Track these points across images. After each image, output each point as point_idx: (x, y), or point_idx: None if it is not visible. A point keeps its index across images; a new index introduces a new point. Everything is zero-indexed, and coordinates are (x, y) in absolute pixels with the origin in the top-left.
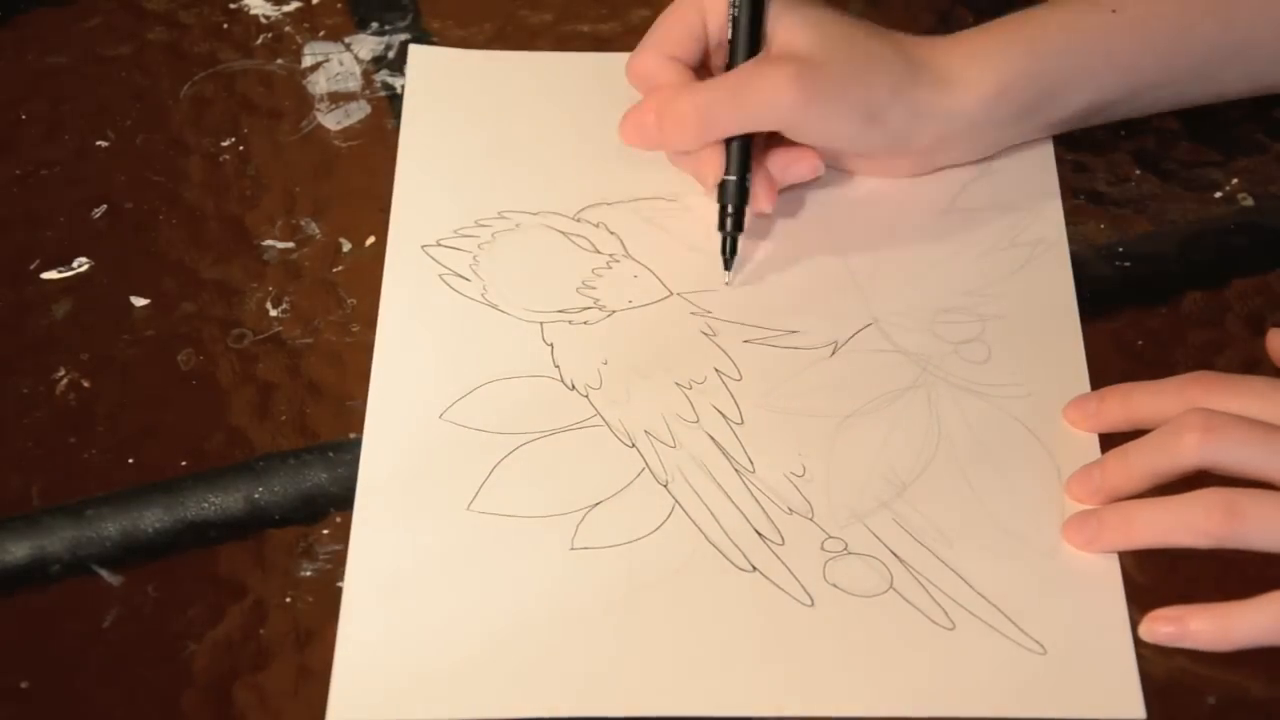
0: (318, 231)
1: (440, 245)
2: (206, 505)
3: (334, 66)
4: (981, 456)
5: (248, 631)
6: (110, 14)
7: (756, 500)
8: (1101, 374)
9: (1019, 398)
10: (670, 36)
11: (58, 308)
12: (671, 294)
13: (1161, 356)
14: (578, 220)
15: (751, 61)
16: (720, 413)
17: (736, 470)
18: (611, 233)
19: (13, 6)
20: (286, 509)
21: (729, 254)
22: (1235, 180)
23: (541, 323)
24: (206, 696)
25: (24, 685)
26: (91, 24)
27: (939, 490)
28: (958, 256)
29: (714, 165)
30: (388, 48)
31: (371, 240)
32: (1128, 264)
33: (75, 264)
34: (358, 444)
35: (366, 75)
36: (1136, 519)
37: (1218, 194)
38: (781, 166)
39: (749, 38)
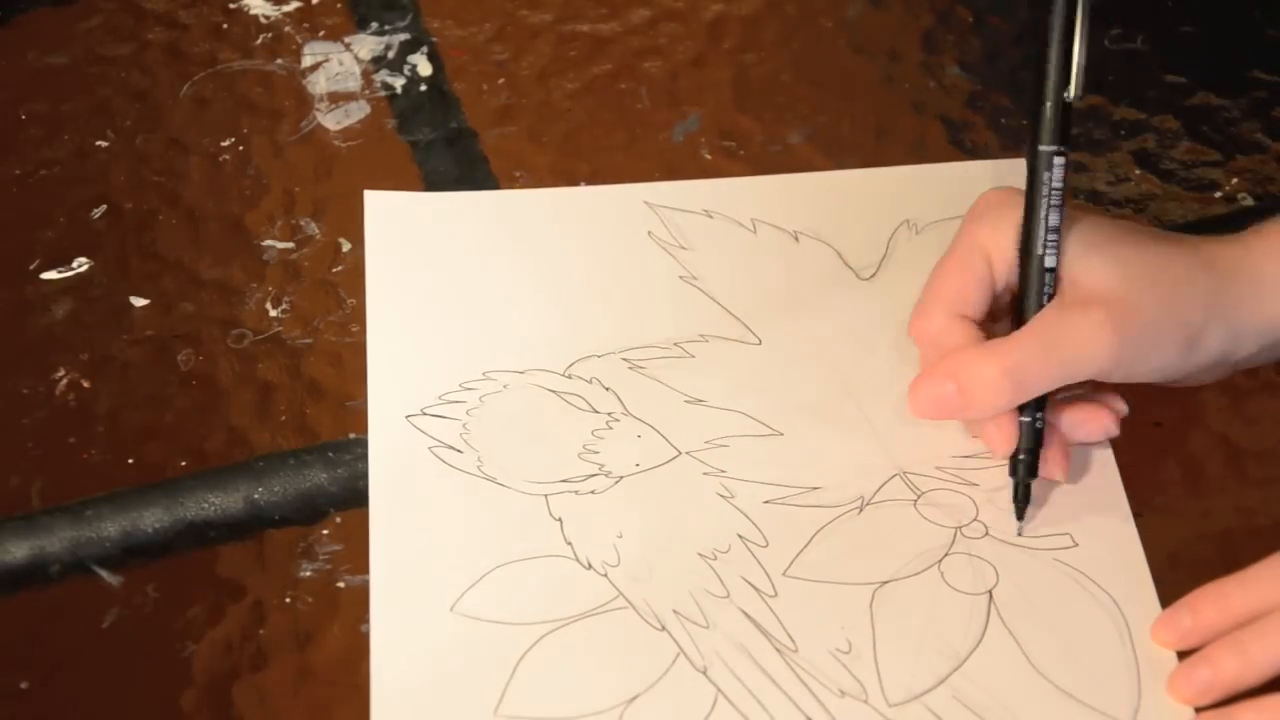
0: (317, 231)
1: (425, 414)
2: (206, 505)
3: (334, 66)
4: (1038, 619)
5: (247, 632)
6: (110, 14)
7: (804, 683)
8: None
9: (1066, 548)
10: (956, 291)
11: (58, 308)
12: (680, 453)
13: None
14: (568, 377)
15: (1053, 309)
16: (751, 585)
17: (778, 650)
18: (606, 388)
19: (13, 6)
20: (286, 509)
21: (1021, 501)
22: (1235, 180)
23: (546, 495)
24: (206, 696)
25: (24, 685)
26: (91, 24)
27: (999, 661)
28: None
29: (1009, 430)
30: (388, 48)
31: None
32: None
33: (75, 264)
34: (357, 444)
35: (366, 75)
36: (1250, 646)
37: (1218, 194)
38: (1071, 424)
39: (1042, 276)
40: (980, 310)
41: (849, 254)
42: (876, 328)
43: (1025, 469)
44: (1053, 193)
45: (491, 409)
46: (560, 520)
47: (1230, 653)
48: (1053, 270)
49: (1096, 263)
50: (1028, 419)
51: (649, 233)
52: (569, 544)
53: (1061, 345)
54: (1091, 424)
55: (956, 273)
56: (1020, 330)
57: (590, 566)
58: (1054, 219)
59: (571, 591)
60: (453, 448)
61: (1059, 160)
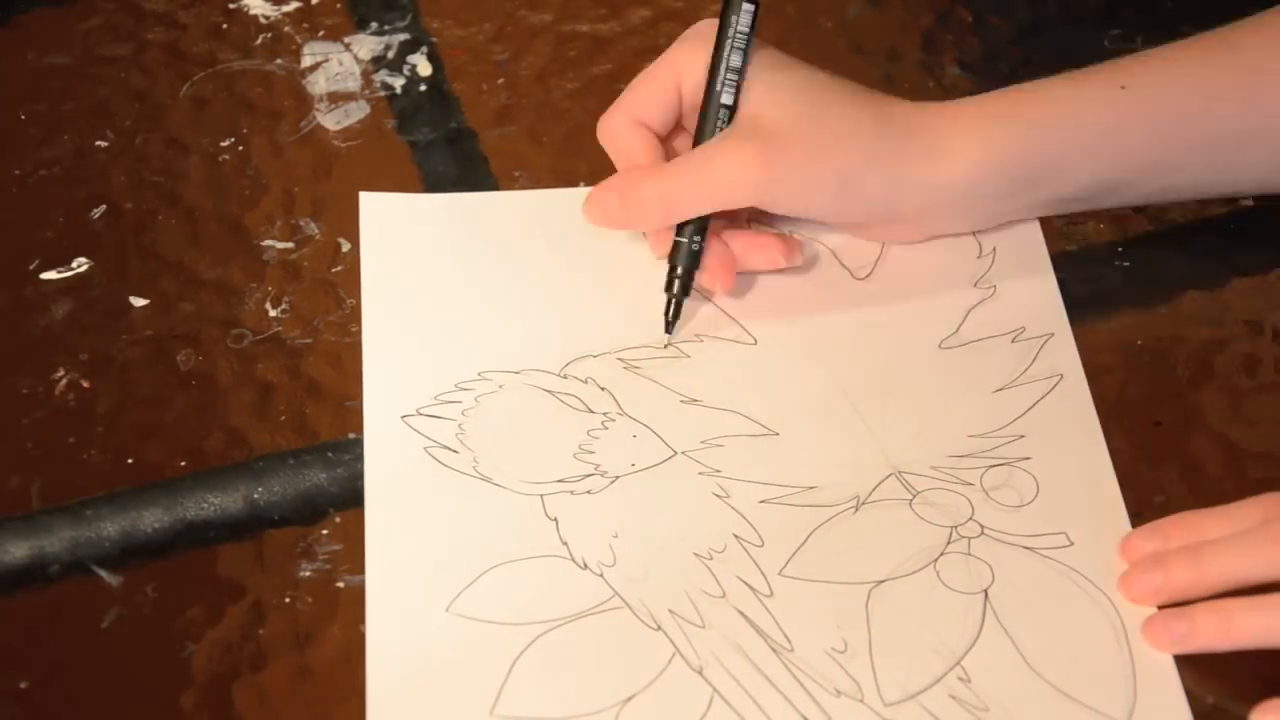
0: (317, 231)
1: (421, 414)
2: (206, 505)
3: (333, 66)
4: (1034, 618)
5: (247, 631)
6: (110, 14)
7: (800, 683)
8: (1101, 373)
9: (1061, 548)
10: (642, 100)
11: (57, 308)
12: (676, 453)
13: (1161, 356)
14: (564, 377)
15: (714, 140)
16: (747, 584)
17: (774, 650)
18: (602, 388)
19: (13, 6)
20: (286, 509)
21: (671, 317)
22: None
23: (542, 495)
24: (206, 696)
25: (24, 685)
26: (91, 24)
27: (994, 660)
28: (971, 394)
29: (666, 241)
30: (387, 48)
31: None
32: (1128, 264)
33: (75, 264)
34: (357, 444)
35: (366, 75)
36: (1236, 619)
37: None
38: (743, 248)
39: (717, 110)
40: (662, 125)
41: (844, 254)
42: (871, 327)
43: (678, 286)
44: (737, 35)
45: (487, 409)
46: (556, 520)
47: (1185, 563)
48: (728, 107)
49: (770, 91)
50: (684, 239)
51: (644, 233)
52: (564, 544)
53: (710, 173)
54: (760, 252)
55: (646, 84)
56: (681, 157)
57: (586, 566)
58: (735, 60)
59: (567, 592)
60: (448, 448)
61: (747, 7)
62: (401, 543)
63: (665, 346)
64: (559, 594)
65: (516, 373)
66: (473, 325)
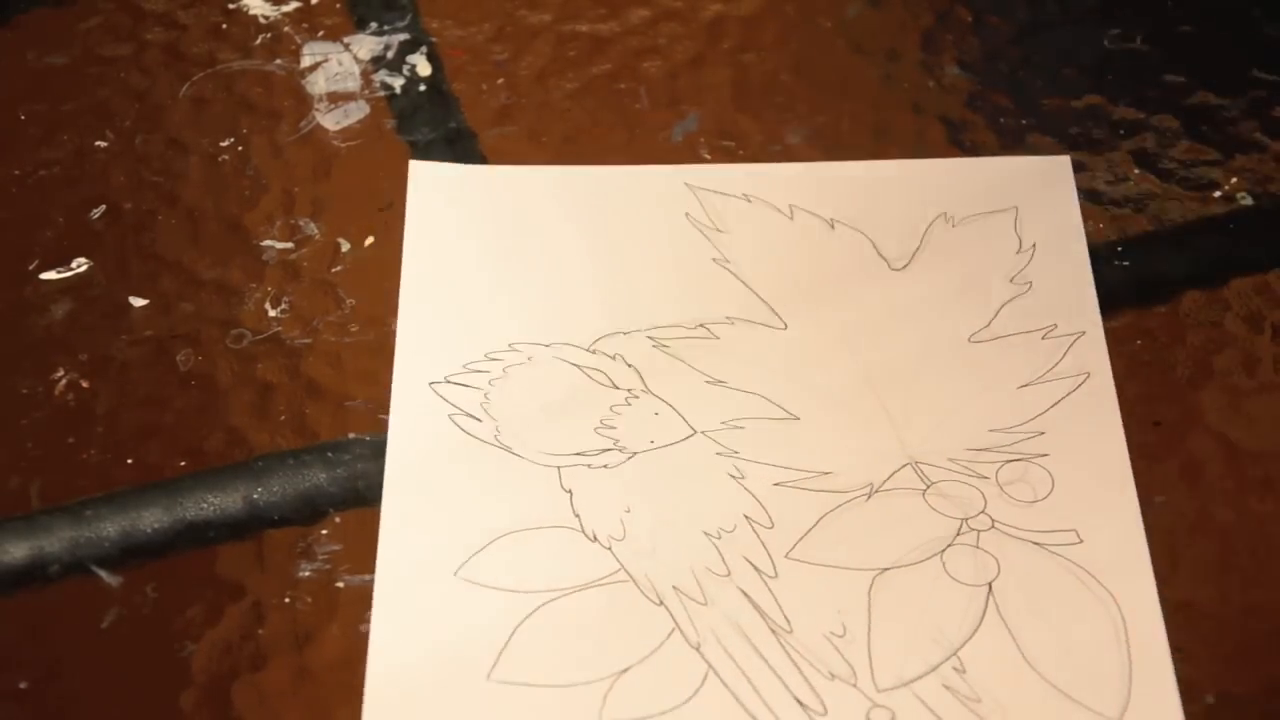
0: (317, 231)
1: (449, 382)
2: (205, 505)
3: (333, 66)
4: (1036, 613)
5: (246, 632)
6: (110, 14)
7: (795, 665)
8: None
9: (1072, 544)
10: None
11: (57, 308)
12: (695, 432)
13: (1161, 356)
14: (593, 352)
15: None
16: (752, 565)
17: (773, 630)
18: (629, 365)
19: (12, 6)
20: (285, 509)
21: None
22: (1235, 180)
23: (559, 467)
24: (206, 696)
25: (23, 685)
26: (91, 24)
27: (991, 653)
28: (996, 389)
29: None
30: (387, 48)
31: (370, 240)
32: (1127, 264)
33: (74, 264)
34: (356, 444)
35: (365, 75)
36: None
37: (1217, 194)
38: None
39: None
40: None
41: (883, 243)
42: (902, 318)
43: None
44: None
45: (514, 380)
46: (570, 492)
47: None
48: None
49: None
50: None
51: (686, 214)
52: (576, 516)
53: None
54: None
55: None
56: None
57: (595, 539)
58: None
59: (574, 563)
60: (472, 416)
61: None
62: (416, 506)
63: (696, 327)
64: (566, 565)
65: (546, 346)
66: (508, 297)
